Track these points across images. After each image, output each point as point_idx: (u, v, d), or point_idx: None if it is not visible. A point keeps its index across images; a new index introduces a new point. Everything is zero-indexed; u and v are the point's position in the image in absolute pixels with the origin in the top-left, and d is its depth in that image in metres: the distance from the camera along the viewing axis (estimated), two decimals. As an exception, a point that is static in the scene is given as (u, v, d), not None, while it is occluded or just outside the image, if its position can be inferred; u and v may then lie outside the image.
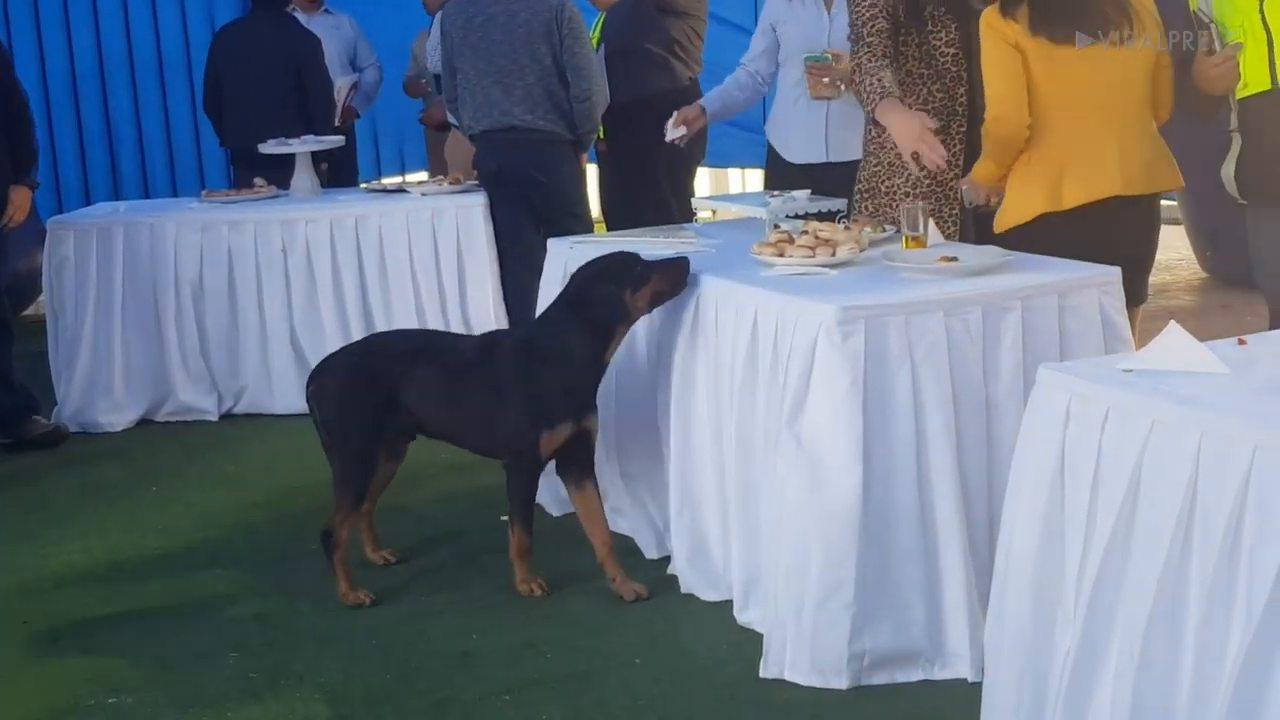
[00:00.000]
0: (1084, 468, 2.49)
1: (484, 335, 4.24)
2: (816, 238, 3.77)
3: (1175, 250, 8.02)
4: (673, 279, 3.73)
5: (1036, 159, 3.78)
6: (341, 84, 7.11)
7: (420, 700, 3.30)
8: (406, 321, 5.76)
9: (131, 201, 7.19)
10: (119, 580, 4.15)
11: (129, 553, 4.36)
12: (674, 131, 4.71)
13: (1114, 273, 3.47)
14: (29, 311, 7.12)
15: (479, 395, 3.84)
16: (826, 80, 4.64)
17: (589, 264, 3.82)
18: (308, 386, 3.96)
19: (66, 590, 4.08)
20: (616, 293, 3.70)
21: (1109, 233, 3.70)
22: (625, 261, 3.77)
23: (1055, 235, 3.70)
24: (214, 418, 5.76)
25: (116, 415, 5.69)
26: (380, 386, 3.83)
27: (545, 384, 3.74)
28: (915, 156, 3.87)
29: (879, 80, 3.96)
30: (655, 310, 3.86)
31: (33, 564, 4.28)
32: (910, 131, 3.84)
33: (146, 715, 3.31)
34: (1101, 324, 3.42)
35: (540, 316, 3.98)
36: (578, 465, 3.86)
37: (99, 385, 5.69)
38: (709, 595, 3.77)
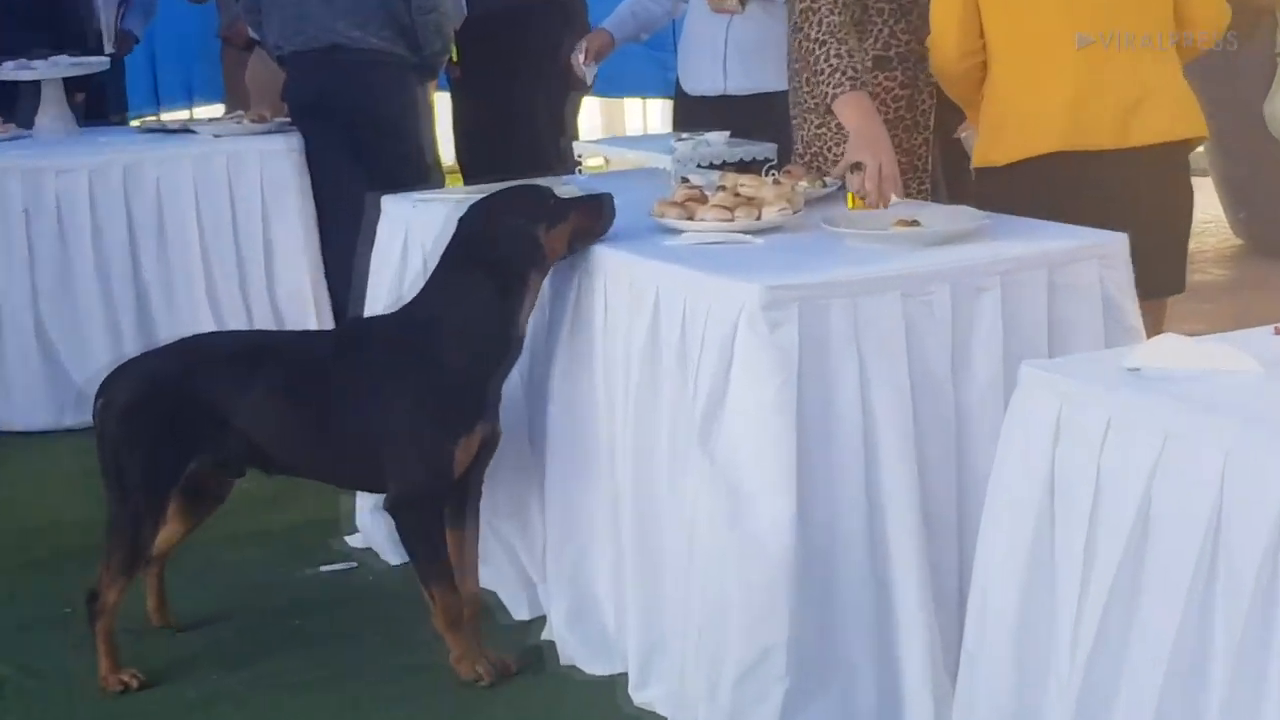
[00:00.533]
0: (1079, 495, 2.52)
1: (343, 326, 4.21)
2: (736, 195, 3.79)
3: (1201, 210, 8.19)
4: (596, 216, 3.73)
5: (986, 100, 3.96)
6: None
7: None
8: (193, 307, 5.72)
9: None
10: None
11: None
12: (587, 70, 4.68)
13: (1118, 241, 3.54)
14: None
15: (349, 408, 3.73)
16: None
17: (485, 199, 3.79)
18: (96, 400, 3.81)
19: None
20: (528, 228, 3.65)
21: (1076, 197, 3.80)
22: (534, 194, 3.77)
23: (996, 195, 3.85)
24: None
25: None
26: (197, 407, 3.72)
27: (447, 374, 3.64)
28: (855, 167, 3.92)
29: (846, 52, 3.96)
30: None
31: None
32: (871, 147, 3.88)
33: None
34: (1103, 307, 3.48)
35: (426, 285, 3.82)
36: (465, 487, 3.81)
37: None
38: (596, 668, 3.76)
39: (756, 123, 4.56)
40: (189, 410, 3.70)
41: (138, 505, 3.69)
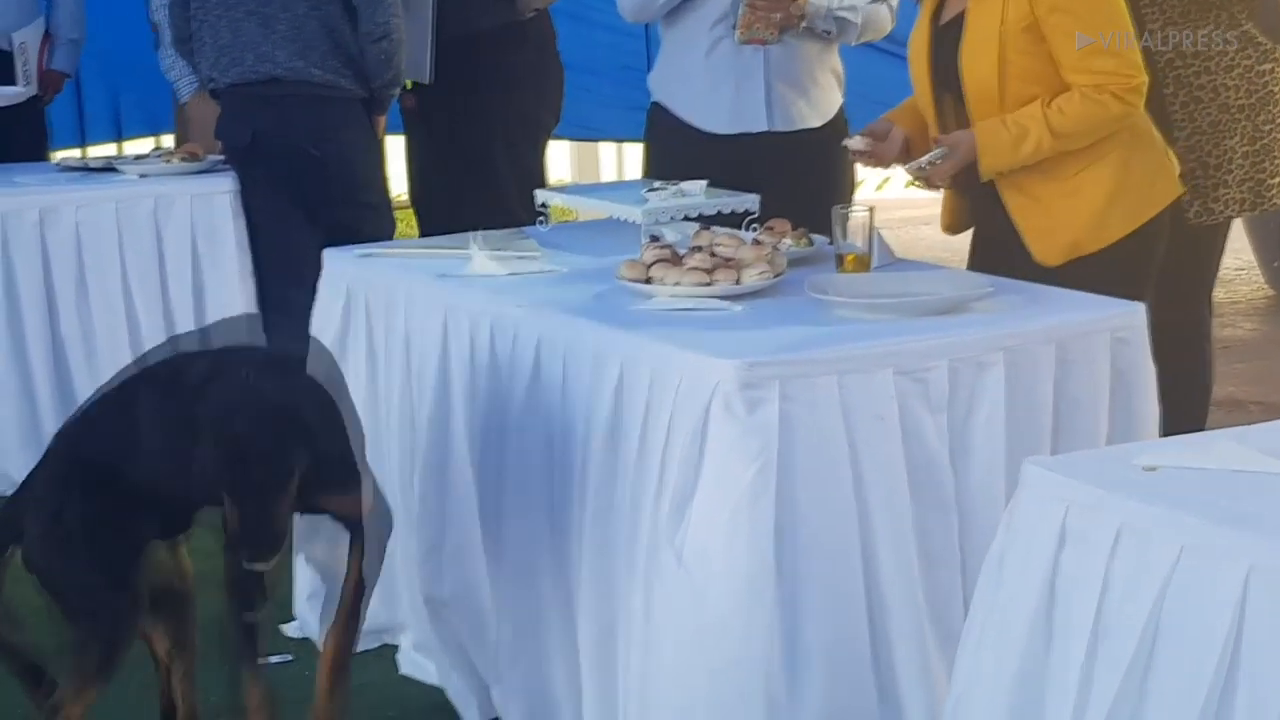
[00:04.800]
0: (1081, 607, 2.46)
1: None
2: (713, 255, 3.76)
3: (1232, 256, 8.19)
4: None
5: None
6: (23, 38, 6.88)
7: None
8: (115, 364, 5.64)
9: None
10: None
11: None
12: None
13: (1135, 312, 3.53)
14: None
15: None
16: (778, 17, 4.74)
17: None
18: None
19: None
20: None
21: None
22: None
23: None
24: None
25: None
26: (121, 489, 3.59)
27: None
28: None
29: None
30: (476, 371, 3.86)
31: None
32: None
33: None
34: (1113, 386, 3.47)
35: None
36: None
37: None
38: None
39: (795, 160, 4.55)
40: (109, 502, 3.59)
41: (103, 617, 3.58)
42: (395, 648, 4.44)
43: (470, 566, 4.05)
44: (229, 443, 3.25)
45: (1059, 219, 4.08)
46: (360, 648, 4.34)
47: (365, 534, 3.54)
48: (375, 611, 4.32)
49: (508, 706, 3.88)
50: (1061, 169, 4.05)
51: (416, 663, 4.32)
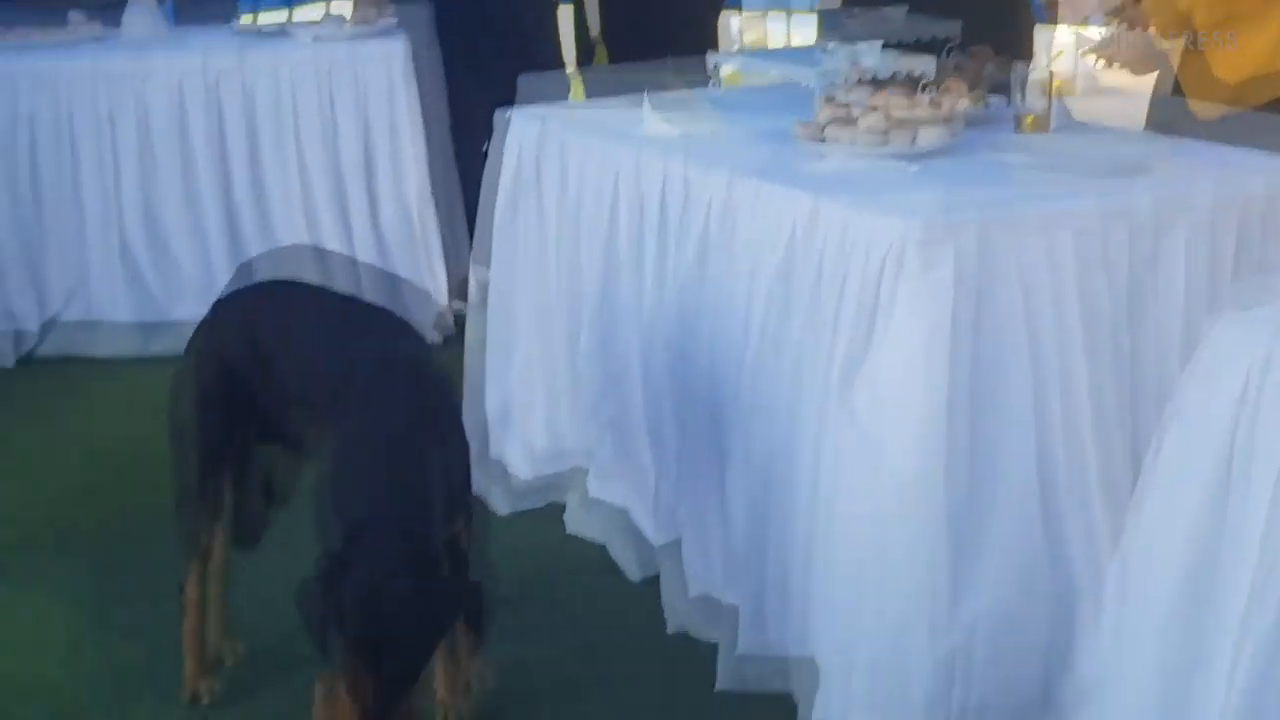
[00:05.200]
0: (1264, 470, 2.44)
1: None
2: (889, 116, 3.75)
3: None
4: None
5: None
6: None
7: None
8: (289, 227, 5.83)
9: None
10: None
11: None
12: None
13: None
14: None
15: None
16: None
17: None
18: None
19: None
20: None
21: None
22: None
23: None
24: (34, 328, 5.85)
25: None
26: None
27: None
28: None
29: None
30: (646, 229, 3.90)
31: None
32: None
33: None
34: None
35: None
36: None
37: None
38: (707, 633, 3.79)
39: None
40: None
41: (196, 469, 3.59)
42: (562, 507, 4.50)
43: (632, 425, 4.13)
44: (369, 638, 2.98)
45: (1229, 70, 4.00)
46: (528, 508, 4.54)
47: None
48: (543, 466, 4.50)
49: (668, 563, 3.94)
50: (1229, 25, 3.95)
51: (581, 522, 4.38)
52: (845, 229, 3.35)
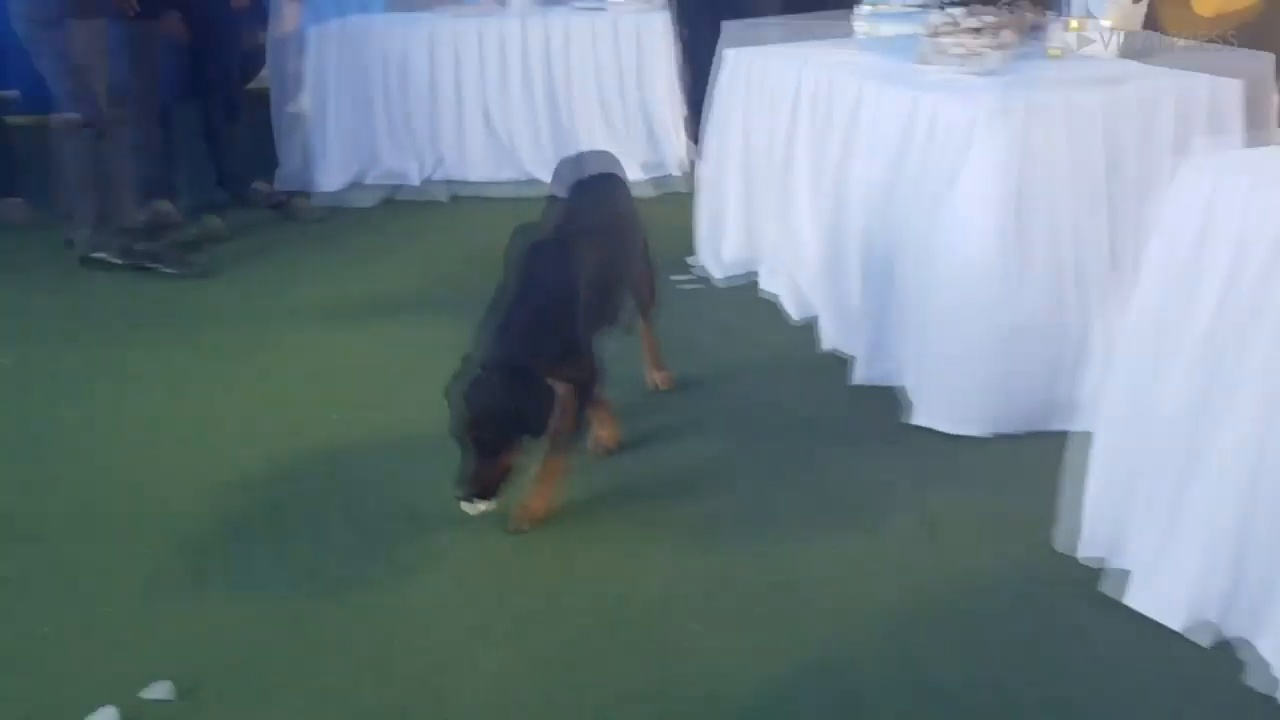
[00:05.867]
0: (1213, 267, 2.40)
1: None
2: (966, 48, 3.71)
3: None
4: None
5: None
6: None
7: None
8: (589, 130, 5.81)
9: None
10: (348, 319, 4.33)
11: (355, 293, 4.57)
12: None
13: (1266, 60, 3.39)
14: (251, 85, 7.29)
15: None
16: None
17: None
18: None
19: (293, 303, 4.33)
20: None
21: None
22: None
23: None
24: (415, 182, 5.85)
25: (330, 177, 5.81)
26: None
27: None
28: None
29: None
30: (816, 117, 3.84)
31: (267, 293, 4.54)
32: None
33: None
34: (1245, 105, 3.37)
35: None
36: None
37: (316, 151, 5.83)
38: (849, 350, 3.79)
39: None
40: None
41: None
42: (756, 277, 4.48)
43: (788, 243, 4.13)
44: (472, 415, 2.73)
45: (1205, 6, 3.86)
46: (730, 280, 4.52)
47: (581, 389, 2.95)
48: (730, 269, 4.50)
49: (823, 306, 3.94)
50: None
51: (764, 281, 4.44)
52: (939, 112, 3.37)
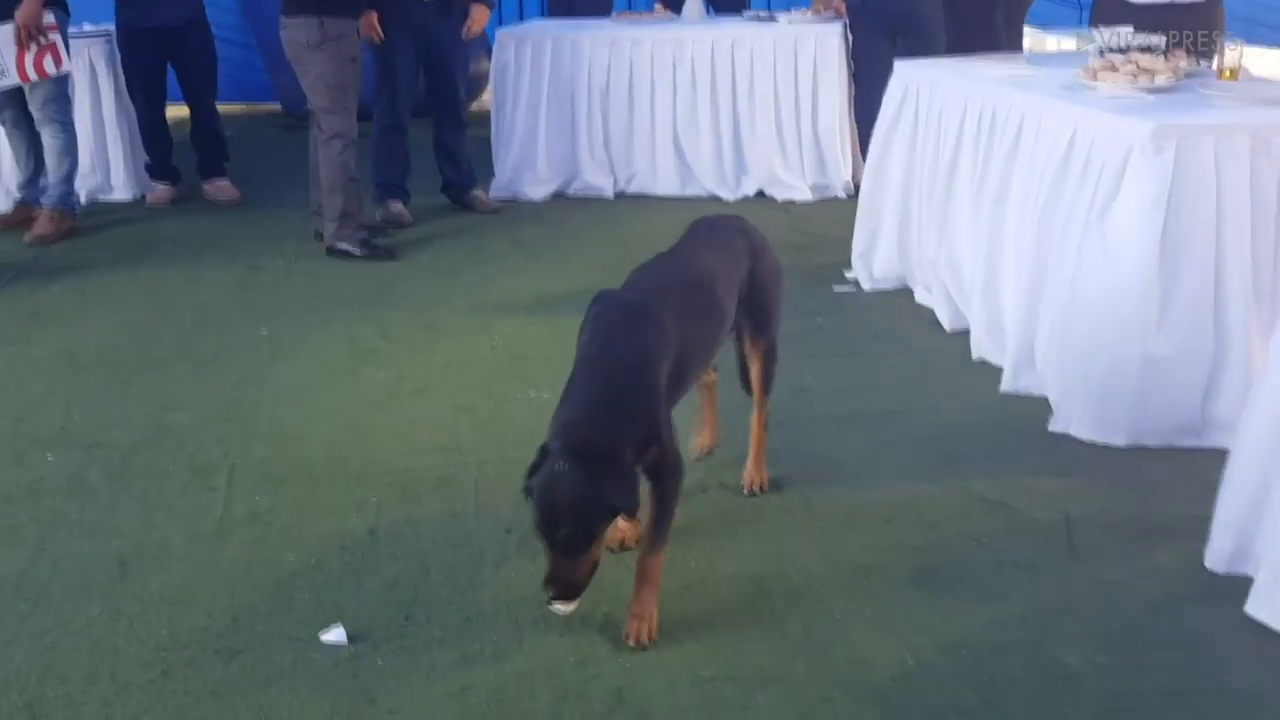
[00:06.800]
0: None
1: None
2: (1138, 67, 3.54)
3: None
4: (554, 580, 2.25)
5: None
6: None
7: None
8: (766, 138, 5.78)
9: (560, 20, 6.96)
10: (539, 309, 4.41)
11: (549, 289, 4.63)
12: None
13: None
14: (474, 107, 7.51)
15: None
16: None
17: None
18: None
19: (498, 298, 4.43)
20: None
21: None
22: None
23: None
24: (610, 195, 5.98)
25: (538, 189, 6.00)
26: None
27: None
28: None
29: None
30: (980, 134, 3.70)
31: (478, 291, 4.65)
32: None
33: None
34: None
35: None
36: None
37: (526, 165, 6.01)
38: (998, 360, 3.68)
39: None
40: None
41: None
42: (911, 292, 4.37)
43: (948, 260, 4.02)
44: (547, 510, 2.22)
45: None
46: (895, 287, 4.42)
47: (665, 479, 2.38)
48: (879, 284, 4.40)
49: (975, 318, 3.81)
50: None
51: (918, 292, 4.28)
52: (1106, 129, 3.19)
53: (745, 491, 2.90)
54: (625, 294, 2.50)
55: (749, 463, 2.92)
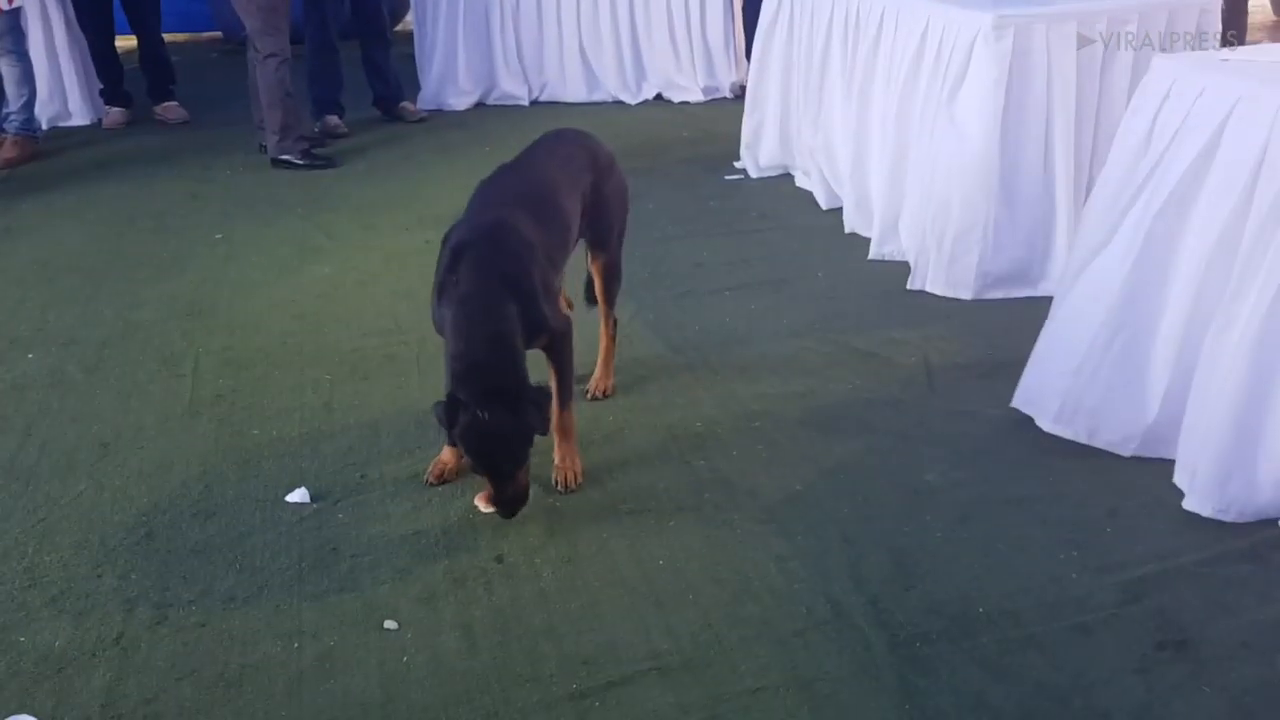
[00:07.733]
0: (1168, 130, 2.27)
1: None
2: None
3: None
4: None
5: None
6: None
7: (666, 293, 3.41)
8: (663, 35, 5.64)
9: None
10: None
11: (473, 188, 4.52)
12: None
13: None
14: (399, 27, 7.20)
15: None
16: None
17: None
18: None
19: (429, 198, 4.30)
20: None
21: None
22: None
23: None
24: (525, 103, 5.81)
25: (461, 99, 5.80)
26: None
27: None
28: None
29: None
30: (845, 33, 3.64)
31: (410, 192, 4.52)
32: None
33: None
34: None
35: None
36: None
37: (448, 78, 5.78)
38: (866, 232, 3.71)
39: None
40: None
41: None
42: (792, 177, 4.38)
43: (820, 143, 3.96)
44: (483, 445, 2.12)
45: None
46: (778, 173, 4.40)
47: (560, 351, 2.33)
48: (765, 170, 4.34)
49: (846, 196, 3.80)
50: None
51: (798, 178, 4.30)
52: (953, 20, 3.17)
53: (588, 397, 2.63)
54: (481, 218, 2.28)
55: (597, 369, 2.68)
